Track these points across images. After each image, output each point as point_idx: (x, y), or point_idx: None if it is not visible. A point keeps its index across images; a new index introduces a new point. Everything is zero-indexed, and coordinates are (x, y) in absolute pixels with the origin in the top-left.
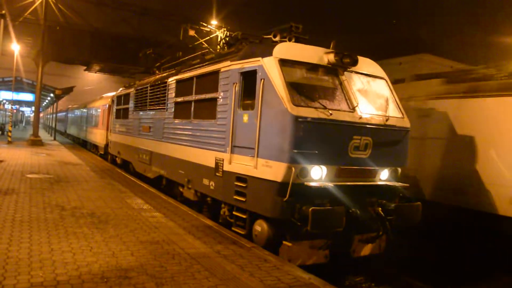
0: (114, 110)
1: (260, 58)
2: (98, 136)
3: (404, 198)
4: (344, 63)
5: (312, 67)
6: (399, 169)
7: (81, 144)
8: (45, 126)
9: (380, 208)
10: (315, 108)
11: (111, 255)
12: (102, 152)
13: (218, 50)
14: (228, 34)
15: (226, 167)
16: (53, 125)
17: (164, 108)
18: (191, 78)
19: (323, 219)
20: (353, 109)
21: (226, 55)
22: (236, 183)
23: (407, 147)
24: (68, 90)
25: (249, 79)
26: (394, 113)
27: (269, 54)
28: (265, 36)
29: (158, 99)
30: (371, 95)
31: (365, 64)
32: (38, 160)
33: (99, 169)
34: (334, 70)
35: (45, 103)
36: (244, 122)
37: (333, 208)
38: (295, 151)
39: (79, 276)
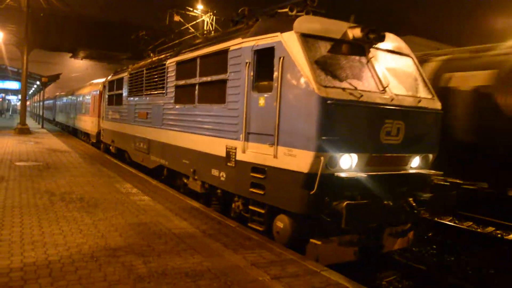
0: (106, 96)
1: (278, 34)
2: (89, 123)
3: (436, 187)
4: (370, 38)
5: (337, 43)
6: (431, 156)
7: (71, 132)
8: (33, 114)
9: (411, 199)
10: (343, 89)
11: (100, 236)
12: (94, 141)
13: (205, 35)
14: (214, 19)
15: (240, 157)
16: (41, 113)
17: (163, 93)
18: (194, 59)
19: (359, 215)
20: (383, 90)
21: (235, 32)
22: (252, 174)
23: (440, 131)
24: (55, 78)
25: (264, 57)
26: (424, 94)
27: (289, 28)
28: (279, 11)
29: (156, 83)
30: (399, 74)
31: (390, 39)
32: (26, 148)
33: (88, 155)
34: (359, 46)
35: (31, 91)
36: (260, 106)
37: (369, 202)
38: (324, 138)
39: (69, 256)
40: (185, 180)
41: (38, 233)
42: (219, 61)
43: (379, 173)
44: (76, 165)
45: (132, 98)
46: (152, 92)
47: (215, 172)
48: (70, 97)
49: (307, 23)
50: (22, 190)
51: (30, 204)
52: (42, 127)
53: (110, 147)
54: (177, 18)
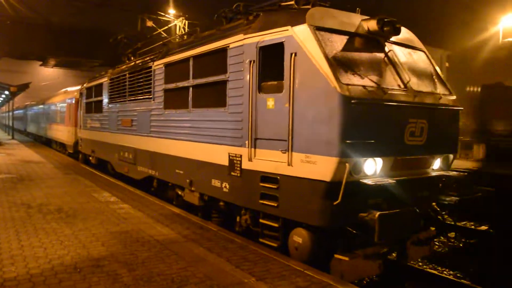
0: (84, 104)
1: (288, 28)
2: (65, 133)
3: (459, 189)
4: (385, 31)
5: (351, 37)
6: (451, 156)
7: (45, 143)
8: (1, 125)
9: (434, 203)
10: (364, 86)
11: (82, 247)
12: (71, 151)
13: (177, 40)
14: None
15: (246, 165)
16: (10, 124)
17: (149, 98)
18: (185, 60)
19: (393, 226)
20: (405, 87)
21: (234, 28)
22: (262, 184)
23: (459, 130)
24: (24, 87)
25: (271, 54)
26: (442, 90)
27: (301, 21)
28: (283, 4)
29: (141, 88)
30: (416, 70)
31: (402, 32)
32: None
33: (62, 165)
34: (374, 40)
35: None
36: (268, 109)
37: (402, 211)
38: (348, 141)
39: (52, 268)
40: (179, 192)
41: (17, 247)
42: (217, 60)
43: (405, 177)
44: (51, 176)
45: (114, 105)
46: (137, 98)
47: (216, 182)
48: (42, 106)
49: (320, 15)
50: None
51: (6, 217)
52: (13, 138)
53: (90, 158)
54: (149, 23)
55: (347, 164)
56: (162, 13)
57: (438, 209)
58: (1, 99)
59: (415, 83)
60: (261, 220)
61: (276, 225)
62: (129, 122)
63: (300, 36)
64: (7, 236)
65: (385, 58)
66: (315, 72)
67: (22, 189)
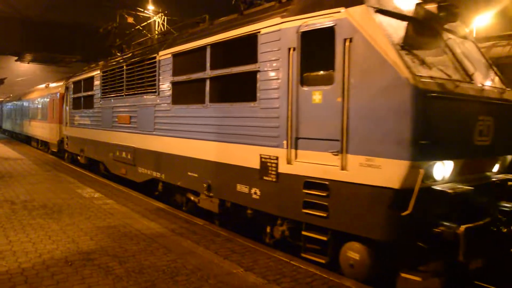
0: (71, 99)
1: (341, 9)
2: (47, 131)
3: None
4: (442, 17)
5: (410, 22)
6: (509, 157)
7: (24, 141)
8: None
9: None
10: (433, 78)
11: (71, 241)
12: (55, 150)
13: (156, 36)
14: (165, 19)
15: (284, 168)
16: None
17: (153, 92)
18: (200, 49)
19: (482, 243)
20: (471, 79)
21: (265, 12)
22: (305, 190)
23: None
24: None
25: (316, 41)
26: (498, 84)
27: (358, 2)
28: None
29: (143, 81)
30: (472, 61)
31: None
32: None
33: (42, 162)
34: (431, 26)
35: None
36: (314, 104)
37: (489, 222)
38: (422, 142)
39: (43, 262)
40: (192, 197)
41: (5, 242)
42: (244, 48)
43: (476, 182)
44: (32, 173)
45: (108, 100)
46: (137, 92)
47: (242, 188)
48: (21, 101)
49: None
50: None
51: None
52: None
53: (79, 158)
54: (130, 19)
55: (420, 169)
56: (141, 9)
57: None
58: None
59: (477, 76)
60: (304, 233)
61: (324, 238)
62: (127, 118)
63: (357, 18)
64: None
65: (445, 47)
66: (379, 60)
67: (3, 186)
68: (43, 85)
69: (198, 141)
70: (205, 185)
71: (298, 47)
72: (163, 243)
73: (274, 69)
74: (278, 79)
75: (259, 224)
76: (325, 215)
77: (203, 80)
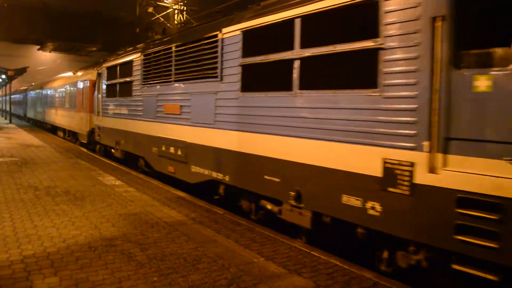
0: (104, 86)
1: None
2: (76, 120)
3: None
4: None
5: None
6: None
7: (50, 130)
8: None
9: None
10: None
11: (94, 227)
12: (85, 141)
13: (175, 26)
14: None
15: (424, 179)
16: (7, 108)
17: (213, 77)
18: (286, 23)
19: None
20: None
21: None
22: (461, 210)
23: None
24: (22, 71)
25: (476, 6)
26: None
27: None
28: None
29: (198, 64)
30: None
31: None
32: None
33: (63, 149)
34: None
35: None
36: (477, 92)
37: None
38: None
39: (67, 247)
40: (269, 206)
41: (31, 227)
42: (356, 19)
43: None
44: (54, 160)
45: (150, 87)
46: (190, 77)
47: (352, 200)
48: (47, 89)
49: None
50: (4, 186)
51: (16, 199)
52: (10, 122)
53: (113, 151)
54: (150, 9)
55: None
56: None
57: None
58: None
59: None
60: (455, 266)
61: (493, 277)
62: (177, 108)
63: None
64: (20, 217)
65: None
66: None
67: (27, 172)
68: (73, 72)
69: (281, 138)
70: (292, 193)
71: (450, 16)
72: (184, 231)
73: (409, 46)
74: (415, 58)
75: (367, 244)
76: (494, 245)
77: (288, 62)
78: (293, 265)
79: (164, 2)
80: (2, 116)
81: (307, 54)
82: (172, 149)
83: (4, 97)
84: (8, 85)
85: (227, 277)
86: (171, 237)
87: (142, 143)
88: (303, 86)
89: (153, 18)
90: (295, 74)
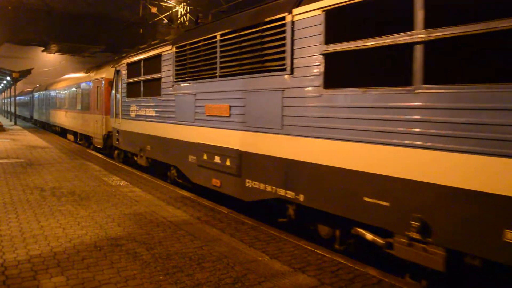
0: (124, 85)
1: None
2: (90, 123)
3: None
4: None
5: None
6: None
7: (58, 132)
8: (1, 111)
9: None
10: None
11: (99, 227)
12: (100, 146)
13: (178, 26)
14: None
15: None
16: (12, 110)
17: (281, 69)
18: None
19: None
20: None
21: None
22: None
23: None
24: (26, 73)
25: None
26: None
27: None
28: None
29: (257, 55)
30: None
31: None
32: (3, 145)
33: (68, 150)
34: None
35: (0, 86)
36: None
37: None
38: None
39: (73, 247)
40: (369, 237)
41: (37, 227)
42: None
43: None
44: (59, 161)
45: (186, 85)
46: (243, 71)
47: None
48: (55, 90)
49: None
50: (10, 186)
51: (22, 200)
52: (15, 124)
53: (137, 158)
54: (154, 9)
55: None
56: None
57: None
58: (2, 84)
59: None
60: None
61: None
62: (225, 109)
63: None
64: (26, 217)
65: None
66: None
67: (32, 173)
68: (85, 71)
69: (391, 148)
70: (414, 223)
71: None
72: (189, 230)
73: None
74: None
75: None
76: None
77: (405, 48)
78: (297, 263)
79: (168, 2)
80: (7, 118)
81: (437, 36)
82: (217, 159)
83: (9, 99)
84: (12, 87)
85: (232, 276)
86: (176, 236)
87: (174, 150)
88: (427, 79)
89: (156, 19)
90: (415, 63)
